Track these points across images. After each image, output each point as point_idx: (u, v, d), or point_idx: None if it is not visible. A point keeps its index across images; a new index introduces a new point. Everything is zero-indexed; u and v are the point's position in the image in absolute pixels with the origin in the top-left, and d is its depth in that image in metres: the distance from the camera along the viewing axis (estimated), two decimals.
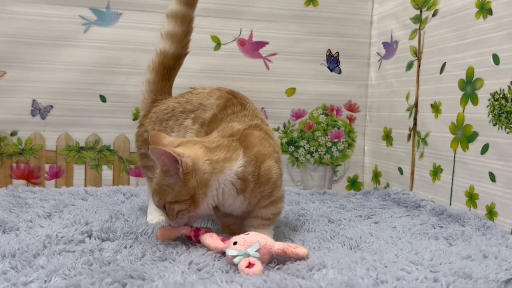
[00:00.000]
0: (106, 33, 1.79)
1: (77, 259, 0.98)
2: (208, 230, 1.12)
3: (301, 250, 0.99)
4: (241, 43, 1.88)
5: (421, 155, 1.62)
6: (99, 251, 1.06)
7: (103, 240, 1.17)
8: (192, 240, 1.13)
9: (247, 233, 1.01)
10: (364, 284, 0.86)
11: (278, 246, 0.99)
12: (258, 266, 0.92)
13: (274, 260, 0.99)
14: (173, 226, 1.12)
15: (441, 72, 1.52)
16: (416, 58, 1.67)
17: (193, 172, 1.04)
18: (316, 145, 1.96)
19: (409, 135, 1.70)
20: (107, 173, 1.85)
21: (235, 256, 0.95)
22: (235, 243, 0.98)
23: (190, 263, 0.98)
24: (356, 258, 1.02)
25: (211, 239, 1.07)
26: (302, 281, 0.85)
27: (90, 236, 1.19)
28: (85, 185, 1.82)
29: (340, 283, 0.85)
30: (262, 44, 1.90)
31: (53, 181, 1.81)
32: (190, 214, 1.08)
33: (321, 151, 1.96)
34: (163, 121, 1.33)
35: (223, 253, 1.03)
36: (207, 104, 1.27)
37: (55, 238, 1.13)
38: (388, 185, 1.83)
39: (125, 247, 1.10)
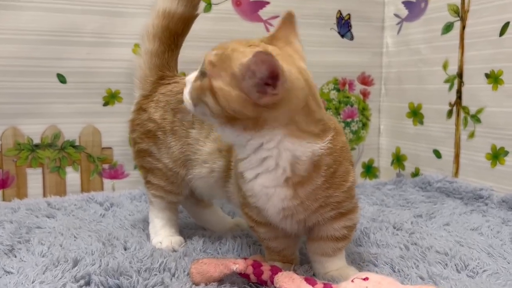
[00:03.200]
0: None
1: None
2: (277, 268, 0.78)
3: None
4: (237, 3, 1.50)
5: (471, 135, 1.36)
6: None
7: None
8: (248, 280, 0.79)
9: (363, 276, 0.68)
10: None
11: None
12: None
13: None
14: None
15: (501, 34, 1.25)
16: (458, 18, 1.38)
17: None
18: None
19: (450, 112, 1.43)
20: (72, 176, 1.41)
21: None
22: None
23: None
24: None
25: (293, 283, 0.72)
26: None
27: (88, 283, 0.80)
28: (45, 195, 1.38)
29: None
30: (262, 4, 1.53)
31: None
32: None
33: None
34: (178, 113, 0.97)
35: None
36: None
37: None
38: (418, 171, 1.56)
39: None
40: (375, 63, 1.68)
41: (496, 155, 1.28)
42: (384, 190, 1.46)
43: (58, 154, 1.39)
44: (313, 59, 1.56)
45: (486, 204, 1.24)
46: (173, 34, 1.03)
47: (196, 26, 1.45)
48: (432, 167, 1.50)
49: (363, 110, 1.69)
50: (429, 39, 1.48)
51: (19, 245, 0.99)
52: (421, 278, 0.81)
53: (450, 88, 1.42)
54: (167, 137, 0.98)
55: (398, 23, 1.61)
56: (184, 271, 0.85)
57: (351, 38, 1.64)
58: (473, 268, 0.86)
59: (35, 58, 1.32)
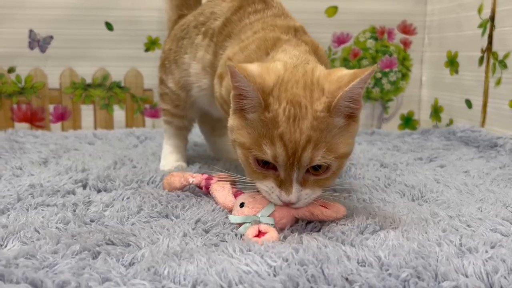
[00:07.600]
0: None
1: (51, 217, 0.75)
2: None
3: (336, 209, 0.71)
4: None
5: (498, 82, 1.29)
6: (86, 204, 0.83)
7: (99, 191, 0.95)
8: (203, 191, 0.89)
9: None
10: (444, 253, 0.59)
11: None
12: (272, 234, 0.65)
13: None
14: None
15: None
16: None
17: None
18: None
19: (481, 58, 1.35)
20: (119, 113, 1.61)
21: (241, 224, 0.69)
22: (242, 205, 0.72)
23: (197, 222, 0.73)
24: (425, 213, 0.75)
25: (222, 192, 0.82)
26: (350, 250, 0.59)
27: (84, 186, 0.97)
28: (95, 128, 1.60)
29: (408, 253, 0.58)
30: None
31: (59, 123, 1.59)
32: None
33: (369, 83, 1.64)
34: (180, 40, 1.11)
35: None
36: (217, 10, 1.02)
37: (39, 189, 0.91)
38: (451, 122, 1.50)
39: (121, 199, 0.87)
40: (419, 11, 1.62)
41: None
42: (406, 139, 1.44)
43: (106, 93, 1.59)
44: (349, 6, 1.60)
45: (498, 152, 1.18)
46: None
47: None
48: (464, 118, 1.44)
49: (404, 60, 1.65)
50: None
51: (52, 159, 1.19)
52: (363, 200, 0.85)
53: (483, 33, 1.34)
54: (172, 65, 1.11)
55: None
56: None
57: None
58: (428, 198, 0.87)
59: (87, 8, 1.52)
